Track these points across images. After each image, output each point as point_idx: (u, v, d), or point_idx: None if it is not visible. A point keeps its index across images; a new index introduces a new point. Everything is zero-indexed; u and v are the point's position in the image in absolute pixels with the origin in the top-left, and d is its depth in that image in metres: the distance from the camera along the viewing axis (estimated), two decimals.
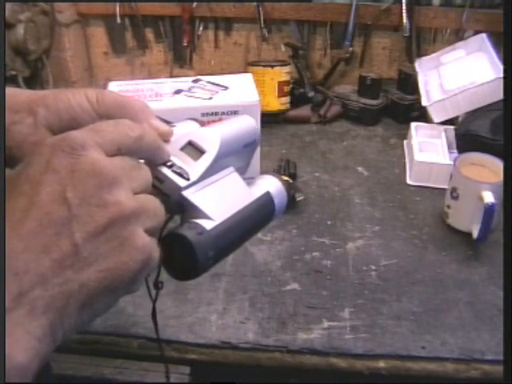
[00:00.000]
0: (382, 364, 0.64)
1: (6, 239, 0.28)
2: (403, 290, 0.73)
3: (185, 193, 0.36)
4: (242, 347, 0.65)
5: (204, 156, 0.37)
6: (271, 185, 0.42)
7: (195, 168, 0.37)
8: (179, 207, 0.36)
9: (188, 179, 0.36)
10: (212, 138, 0.38)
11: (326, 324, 0.68)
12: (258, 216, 0.40)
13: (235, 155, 0.41)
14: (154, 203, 0.33)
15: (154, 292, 0.42)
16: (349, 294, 0.73)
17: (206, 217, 0.36)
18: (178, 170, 0.36)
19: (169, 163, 0.36)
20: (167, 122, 0.41)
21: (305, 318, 0.69)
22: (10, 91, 0.42)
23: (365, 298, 0.72)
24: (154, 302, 0.44)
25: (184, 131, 0.40)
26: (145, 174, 0.34)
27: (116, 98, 0.40)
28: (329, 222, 0.87)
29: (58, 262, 0.28)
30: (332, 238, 0.83)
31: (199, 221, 0.35)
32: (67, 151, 0.30)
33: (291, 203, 0.89)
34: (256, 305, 0.71)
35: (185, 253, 0.34)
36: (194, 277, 0.36)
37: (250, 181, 0.42)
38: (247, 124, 0.43)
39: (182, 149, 0.38)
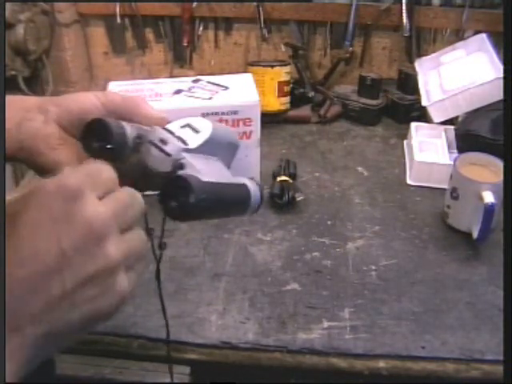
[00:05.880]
0: (382, 364, 0.64)
1: (5, 279, 0.30)
2: (403, 290, 0.73)
3: (184, 153, 0.44)
4: (242, 347, 0.65)
5: (200, 134, 0.46)
6: (248, 182, 0.49)
7: (193, 140, 0.45)
8: (177, 166, 0.43)
9: (187, 145, 0.45)
10: (206, 124, 0.47)
11: (325, 324, 0.68)
12: (235, 195, 0.47)
13: (220, 149, 0.48)
14: (137, 241, 0.37)
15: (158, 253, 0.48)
16: (349, 294, 0.73)
17: (199, 173, 0.42)
18: (182, 137, 0.45)
19: (172, 133, 0.45)
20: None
21: (305, 317, 0.69)
22: (19, 97, 0.47)
23: (365, 297, 0.72)
24: (158, 262, 0.49)
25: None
26: (136, 206, 0.37)
27: (119, 95, 0.48)
28: (329, 222, 0.87)
29: (48, 304, 0.31)
30: (332, 238, 0.83)
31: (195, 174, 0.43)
32: (65, 199, 0.32)
33: (291, 203, 0.89)
34: (256, 305, 0.71)
35: (184, 191, 0.40)
36: (189, 214, 0.41)
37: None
38: (230, 131, 0.53)
39: (182, 127, 0.46)
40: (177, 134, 0.45)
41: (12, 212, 0.33)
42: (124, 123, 0.43)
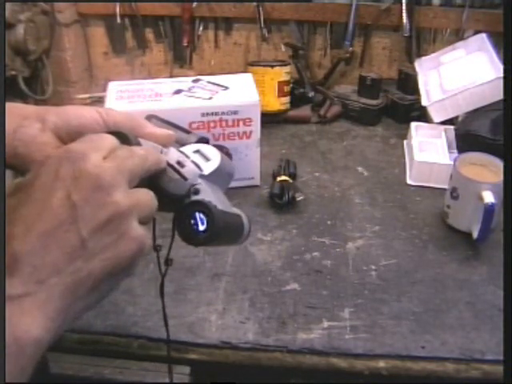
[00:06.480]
0: (382, 364, 0.64)
1: (23, 239, 0.33)
2: (403, 290, 0.73)
3: (200, 180, 0.44)
4: (242, 347, 0.65)
5: (210, 162, 0.46)
6: (240, 212, 0.49)
7: (205, 167, 0.46)
8: (192, 191, 0.43)
9: (202, 170, 0.45)
10: (215, 152, 0.47)
11: (325, 324, 0.68)
12: (235, 224, 0.47)
13: (221, 179, 0.48)
14: (146, 196, 0.39)
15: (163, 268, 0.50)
16: (349, 294, 0.73)
17: (213, 201, 0.43)
18: (196, 162, 0.45)
19: (187, 157, 0.44)
20: (187, 132, 0.50)
21: (305, 318, 0.69)
22: (19, 104, 0.48)
23: (365, 297, 0.72)
24: (163, 277, 0.51)
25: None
26: (138, 160, 0.39)
27: (122, 114, 0.47)
28: (329, 222, 0.87)
29: (69, 255, 0.34)
30: (332, 238, 0.83)
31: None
32: (71, 160, 0.35)
33: (291, 203, 0.89)
34: (256, 305, 0.71)
35: (204, 216, 0.42)
36: (204, 239, 0.42)
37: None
38: (230, 161, 0.52)
39: (194, 152, 0.46)
40: (191, 158, 0.45)
41: (25, 183, 0.36)
42: (140, 139, 0.42)
